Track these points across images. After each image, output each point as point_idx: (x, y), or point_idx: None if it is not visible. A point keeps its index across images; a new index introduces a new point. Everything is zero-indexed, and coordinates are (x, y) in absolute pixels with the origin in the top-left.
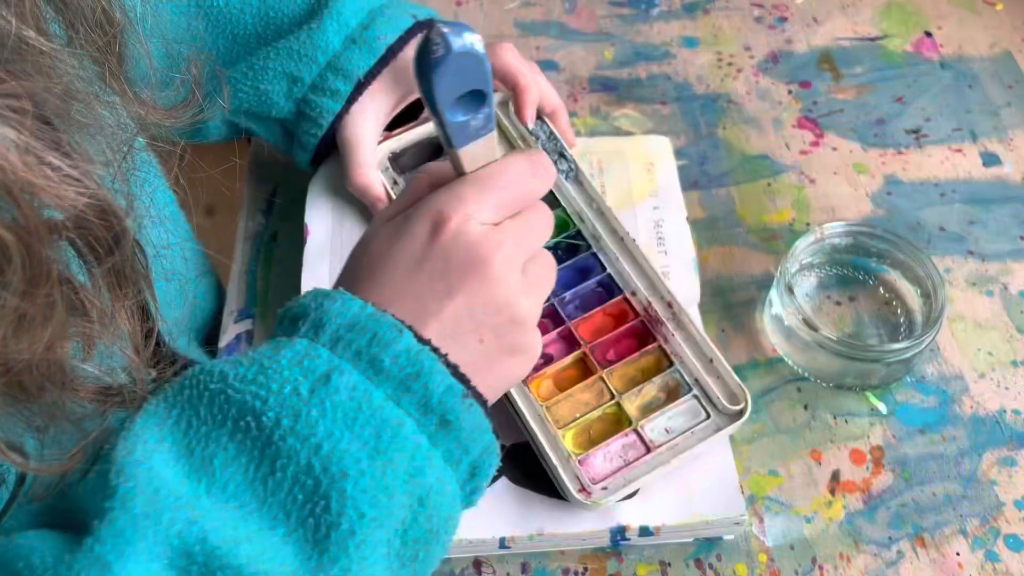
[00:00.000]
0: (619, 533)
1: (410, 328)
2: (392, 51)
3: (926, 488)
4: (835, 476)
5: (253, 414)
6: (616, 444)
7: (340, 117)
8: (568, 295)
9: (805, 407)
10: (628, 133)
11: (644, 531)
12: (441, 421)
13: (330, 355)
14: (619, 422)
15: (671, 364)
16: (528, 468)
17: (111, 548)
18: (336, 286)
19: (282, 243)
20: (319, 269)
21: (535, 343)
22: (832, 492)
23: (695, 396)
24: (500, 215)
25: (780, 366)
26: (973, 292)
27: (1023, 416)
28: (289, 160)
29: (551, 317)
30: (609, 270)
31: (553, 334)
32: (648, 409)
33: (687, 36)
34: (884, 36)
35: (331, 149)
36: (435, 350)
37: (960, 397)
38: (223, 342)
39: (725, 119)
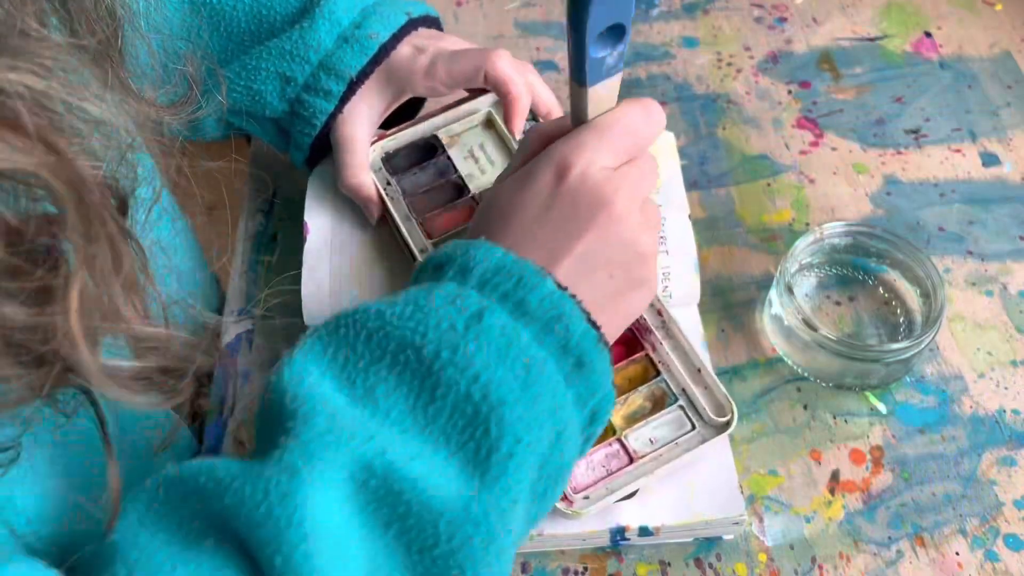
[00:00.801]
0: (619, 533)
1: (547, 270)
2: (385, 50)
3: (926, 488)
4: (835, 476)
5: (413, 348)
6: (599, 453)
7: (333, 117)
8: None
9: (805, 407)
10: None
11: (644, 531)
12: (576, 363)
13: (479, 296)
14: (603, 431)
15: (658, 373)
16: None
17: (298, 456)
18: (470, 238)
19: (282, 243)
20: (319, 269)
21: (655, 276)
22: (832, 492)
23: (681, 407)
24: (617, 160)
25: (780, 366)
26: (972, 292)
27: (1022, 416)
28: (289, 160)
29: None
30: None
31: None
32: (633, 419)
33: (687, 36)
34: (884, 36)
35: (328, 148)
36: (573, 295)
37: (960, 397)
38: (223, 342)
39: (725, 119)
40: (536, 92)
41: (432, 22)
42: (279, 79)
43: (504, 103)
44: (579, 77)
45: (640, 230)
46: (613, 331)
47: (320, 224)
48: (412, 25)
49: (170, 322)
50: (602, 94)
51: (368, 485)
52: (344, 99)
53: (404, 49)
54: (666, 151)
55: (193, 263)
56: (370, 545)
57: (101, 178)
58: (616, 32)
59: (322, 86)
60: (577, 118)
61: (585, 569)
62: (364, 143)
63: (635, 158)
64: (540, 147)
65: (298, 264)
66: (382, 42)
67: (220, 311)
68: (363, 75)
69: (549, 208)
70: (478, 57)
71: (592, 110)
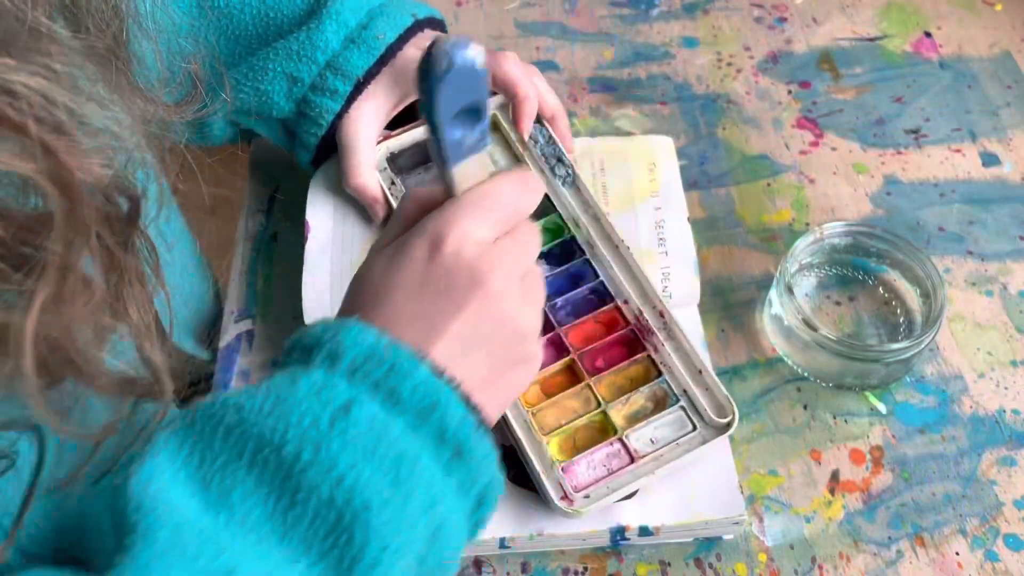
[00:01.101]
0: (619, 533)
1: (421, 354)
2: (392, 50)
3: (925, 488)
4: (835, 476)
5: (272, 447)
6: (600, 453)
7: (339, 117)
8: (560, 301)
9: (805, 407)
10: (628, 133)
11: (644, 531)
12: (456, 452)
13: (348, 386)
14: (604, 431)
15: (659, 374)
16: (528, 469)
17: None
18: (344, 311)
19: (282, 243)
20: (320, 268)
21: (537, 352)
22: (832, 492)
23: (682, 407)
24: (494, 233)
25: (780, 366)
26: (972, 292)
27: (1022, 416)
28: (289, 160)
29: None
30: (602, 277)
31: (543, 340)
32: (634, 419)
33: (687, 36)
34: (884, 36)
35: (333, 148)
36: (450, 380)
37: (959, 397)
38: (223, 342)
39: (725, 119)
40: (541, 95)
41: (437, 24)
42: (286, 79)
43: (512, 104)
44: (440, 158)
45: (519, 306)
46: (495, 410)
47: (321, 224)
48: (418, 27)
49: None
50: (470, 170)
51: None
52: (350, 99)
53: (411, 50)
54: (665, 154)
55: (192, 264)
56: None
57: (106, 181)
58: (473, 113)
59: (329, 86)
60: (449, 193)
61: (585, 569)
62: (370, 143)
63: (514, 229)
64: (415, 218)
65: (298, 264)
66: (389, 43)
67: (220, 311)
68: (370, 76)
69: (423, 285)
70: (514, 72)
71: (462, 185)
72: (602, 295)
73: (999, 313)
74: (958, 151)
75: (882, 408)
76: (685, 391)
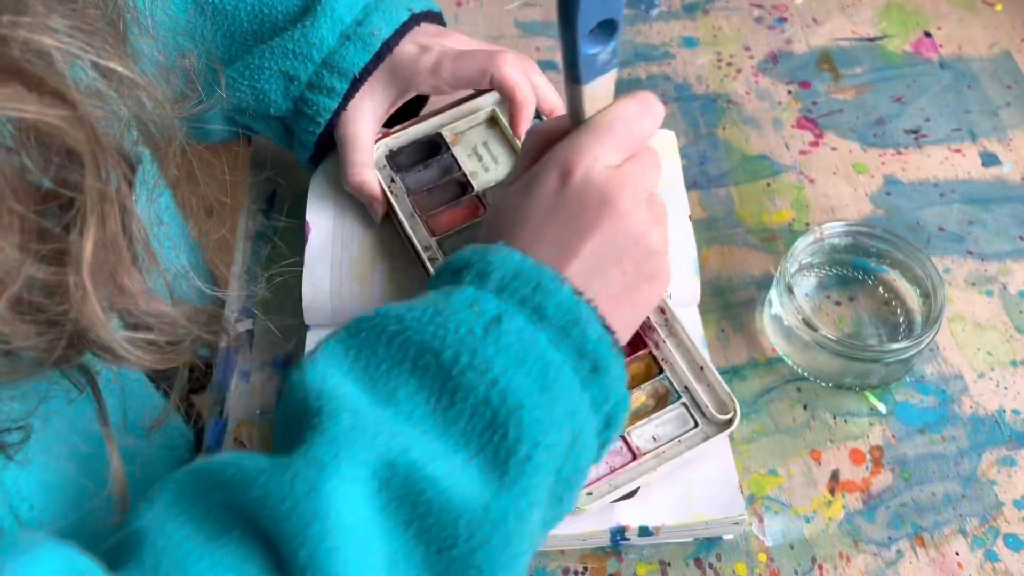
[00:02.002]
0: (619, 533)
1: (562, 275)
2: (388, 46)
3: (925, 488)
4: (835, 476)
5: (433, 352)
6: None
7: (337, 114)
8: None
9: (805, 407)
10: None
11: (644, 531)
12: (592, 367)
13: (498, 301)
14: None
15: (661, 371)
16: None
17: (325, 451)
18: (489, 236)
19: (282, 243)
20: (320, 268)
21: (668, 269)
22: (832, 492)
23: (684, 404)
24: (619, 158)
25: (780, 366)
26: (972, 292)
27: (1022, 416)
28: (290, 159)
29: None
30: None
31: None
32: (636, 415)
33: (687, 36)
34: (883, 36)
35: (332, 146)
36: (589, 300)
37: (959, 397)
38: (223, 342)
39: (725, 119)
40: (540, 92)
41: (435, 17)
42: (282, 78)
43: (510, 107)
44: (574, 75)
45: (647, 225)
46: (628, 328)
47: (322, 223)
48: (414, 21)
49: (174, 296)
50: (598, 91)
51: (391, 483)
52: (348, 97)
53: (408, 47)
54: (667, 151)
55: (191, 264)
56: (391, 542)
57: (114, 140)
58: (608, 28)
59: (325, 84)
60: (575, 117)
61: (585, 569)
62: (368, 141)
63: (637, 153)
64: (542, 148)
65: (298, 264)
66: (385, 39)
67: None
68: (366, 72)
69: (556, 209)
70: (484, 59)
71: (589, 108)
72: None
73: (999, 313)
74: (958, 151)
75: (882, 408)
76: (687, 387)
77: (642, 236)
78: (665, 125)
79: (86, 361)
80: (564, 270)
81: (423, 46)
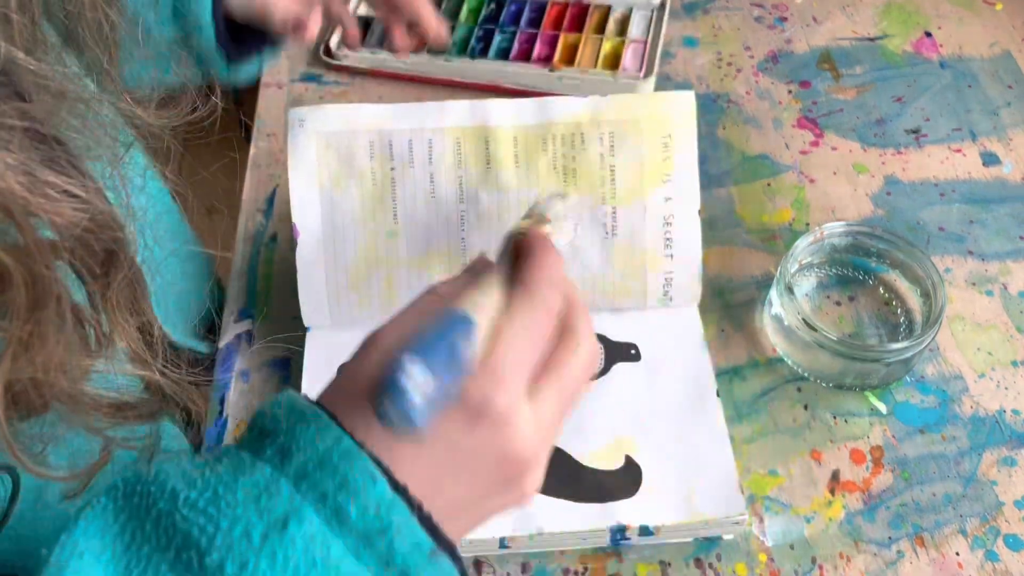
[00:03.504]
0: (619, 532)
1: (386, 472)
2: None
3: (926, 488)
4: (835, 476)
5: (197, 550)
6: None
7: None
8: None
9: (805, 407)
10: None
11: (644, 531)
12: None
13: (292, 493)
14: None
15: None
16: None
17: None
18: (325, 394)
19: (282, 243)
20: (314, 269)
21: (536, 485)
22: (832, 492)
23: None
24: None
25: (780, 366)
26: (973, 292)
27: (1023, 416)
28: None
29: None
30: None
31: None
32: None
33: (687, 36)
34: (884, 36)
35: (246, 50)
36: (409, 500)
37: (960, 397)
38: (223, 342)
39: (725, 119)
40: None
41: None
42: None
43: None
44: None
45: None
46: (461, 532)
47: (309, 225)
48: None
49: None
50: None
51: None
52: None
53: None
54: (683, 118)
55: (191, 264)
56: None
57: (82, 223)
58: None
59: None
60: None
61: (585, 569)
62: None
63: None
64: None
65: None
66: None
67: (220, 311)
68: None
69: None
70: None
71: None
72: None
73: (999, 313)
74: (958, 151)
75: (882, 408)
76: None
77: (521, 483)
78: None
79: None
80: (403, 472)
81: None
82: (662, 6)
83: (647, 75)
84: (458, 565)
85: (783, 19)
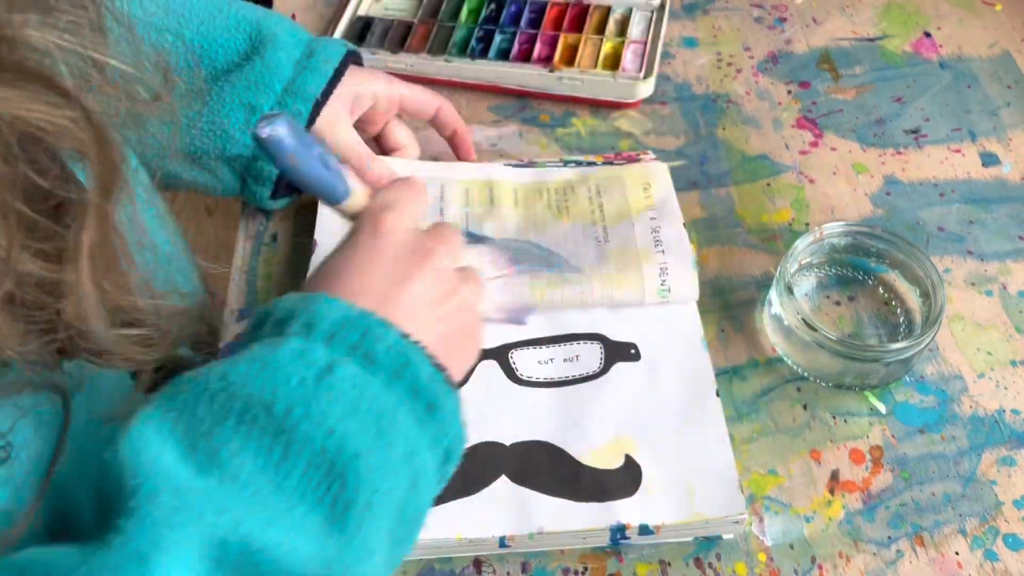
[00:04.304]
0: (619, 532)
1: (388, 320)
2: (338, 73)
3: (925, 488)
4: (834, 476)
5: (263, 405)
6: None
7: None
8: None
9: (805, 407)
10: (628, 133)
11: (644, 530)
12: (427, 406)
13: (328, 350)
14: None
15: None
16: (528, 467)
17: (146, 542)
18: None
19: (282, 243)
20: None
21: (480, 330)
22: (831, 492)
23: None
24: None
25: (780, 366)
26: (972, 292)
27: (1022, 416)
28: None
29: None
30: None
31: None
32: None
33: (687, 36)
34: (883, 36)
35: (290, 190)
36: (417, 341)
37: (959, 397)
38: (223, 342)
39: (724, 119)
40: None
41: (357, 56)
42: (244, 109)
43: (454, 139)
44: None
45: (459, 281)
46: (458, 369)
47: (326, 240)
48: (351, 54)
49: (159, 291)
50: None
51: (224, 562)
52: (310, 121)
53: (349, 77)
54: (660, 177)
55: (189, 266)
56: None
57: (115, 137)
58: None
59: (290, 110)
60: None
61: (585, 569)
62: (357, 139)
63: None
64: None
65: (298, 265)
66: (335, 66)
67: (220, 311)
68: (325, 96)
69: (372, 262)
70: (433, 94)
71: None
72: None
73: (999, 313)
74: (958, 151)
75: (882, 408)
76: None
77: (455, 290)
78: (665, 125)
79: (62, 382)
80: (388, 316)
81: (368, 71)
82: (662, 7)
83: (647, 75)
84: (463, 405)
85: (783, 20)
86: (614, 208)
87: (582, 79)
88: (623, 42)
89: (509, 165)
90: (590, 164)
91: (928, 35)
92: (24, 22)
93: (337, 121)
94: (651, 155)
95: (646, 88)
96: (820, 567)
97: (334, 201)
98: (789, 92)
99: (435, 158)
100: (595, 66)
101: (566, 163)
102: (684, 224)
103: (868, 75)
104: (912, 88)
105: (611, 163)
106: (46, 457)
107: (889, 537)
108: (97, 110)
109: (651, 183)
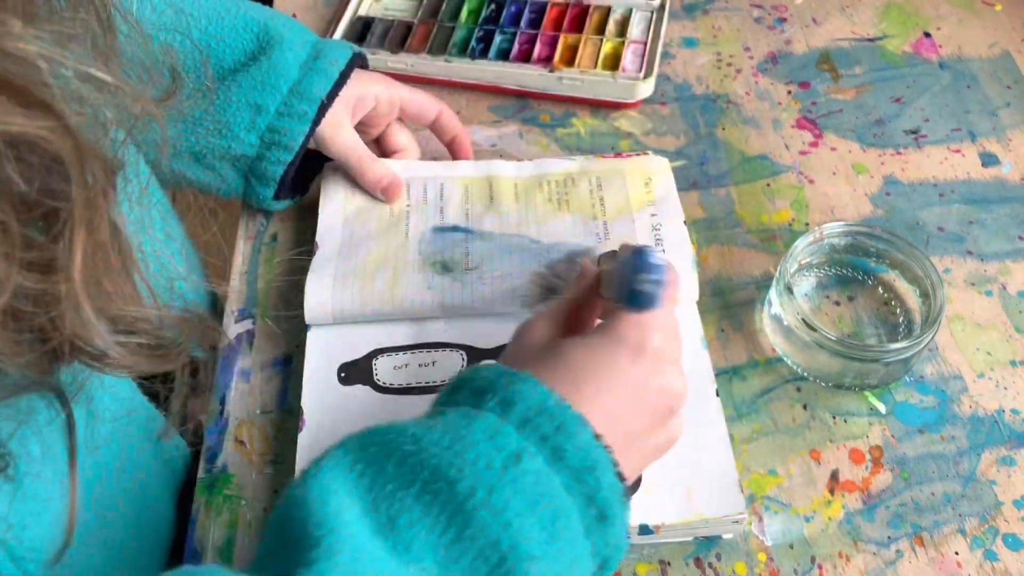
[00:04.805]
0: None
1: (584, 418)
2: (343, 75)
3: (925, 488)
4: (834, 476)
5: (447, 480)
6: None
7: (307, 139)
8: None
9: (804, 407)
10: (628, 133)
11: (644, 530)
12: (599, 516)
13: (519, 436)
14: None
15: None
16: None
17: None
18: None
19: (282, 243)
20: (324, 274)
21: (682, 425)
22: (831, 491)
23: None
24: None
25: (779, 366)
26: (972, 292)
27: (1022, 416)
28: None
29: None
30: None
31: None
32: None
33: (687, 36)
34: (883, 37)
35: (295, 186)
36: (607, 446)
37: (959, 397)
38: (221, 342)
39: (724, 119)
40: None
41: (363, 59)
42: (250, 109)
43: (452, 143)
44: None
45: (681, 383)
46: (635, 472)
47: (328, 244)
48: (357, 56)
49: (160, 299)
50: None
51: None
52: (315, 122)
53: (355, 79)
54: (661, 171)
55: (190, 265)
56: None
57: (99, 146)
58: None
59: (295, 110)
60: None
61: None
62: (361, 143)
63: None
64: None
65: (298, 265)
66: (341, 68)
67: (220, 311)
68: (331, 98)
69: (615, 381)
70: (434, 99)
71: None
72: None
73: (999, 313)
74: (957, 151)
75: (882, 408)
76: None
77: (670, 388)
78: (665, 125)
79: (64, 384)
80: (586, 411)
81: (370, 74)
82: (662, 7)
83: (647, 76)
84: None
85: (783, 20)
86: (614, 202)
87: (582, 79)
88: (623, 42)
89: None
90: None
91: (928, 35)
92: (3, 33)
93: (340, 123)
94: (651, 155)
95: (646, 88)
96: (820, 567)
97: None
98: (789, 92)
99: (435, 159)
100: (595, 66)
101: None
102: (684, 222)
103: (868, 75)
104: (912, 88)
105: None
106: (44, 477)
107: (889, 537)
108: (77, 119)
109: (652, 177)
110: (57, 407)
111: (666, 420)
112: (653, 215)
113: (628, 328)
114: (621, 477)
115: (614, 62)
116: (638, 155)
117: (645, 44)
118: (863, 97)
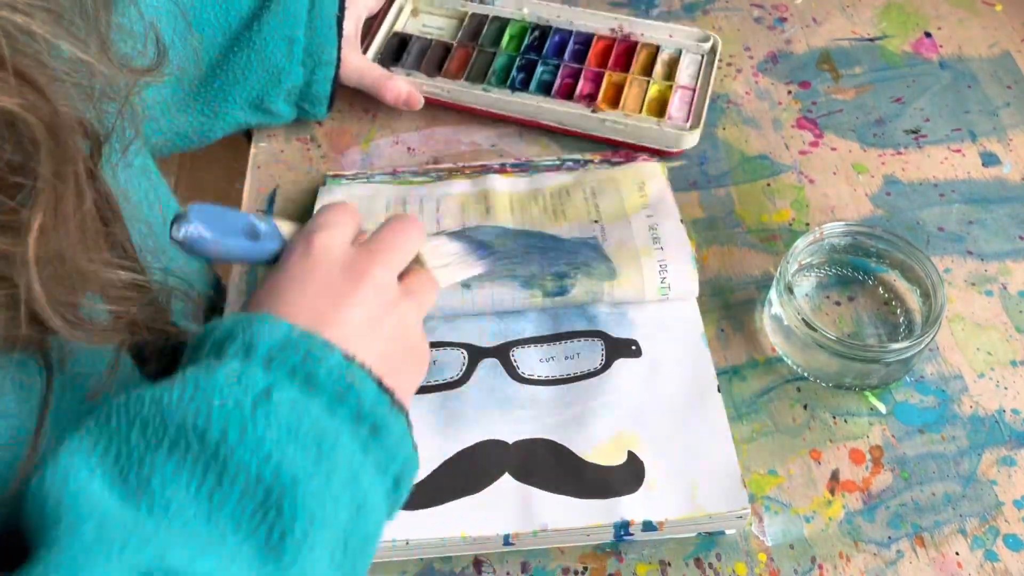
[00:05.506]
0: (623, 528)
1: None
2: None
3: (925, 488)
4: (834, 476)
5: (196, 431)
6: None
7: (339, 50)
8: None
9: (804, 407)
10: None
11: (647, 526)
12: (371, 429)
13: (266, 373)
14: None
15: None
16: (531, 465)
17: (65, 574)
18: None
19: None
20: None
21: (426, 347)
22: (831, 492)
23: None
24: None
25: (779, 366)
26: (972, 292)
27: (1022, 416)
28: (289, 160)
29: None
30: None
31: None
32: None
33: None
34: (883, 36)
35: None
36: (361, 363)
37: (959, 397)
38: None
39: (724, 119)
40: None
41: None
42: (285, 43)
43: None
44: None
45: (400, 298)
46: (405, 392)
47: None
48: None
49: (143, 268)
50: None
51: None
52: (338, 34)
53: None
54: (653, 175)
55: (192, 264)
56: None
57: (76, 119)
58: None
59: (321, 31)
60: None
61: (585, 569)
62: (369, 61)
63: (379, 236)
64: None
65: None
66: None
67: (220, 311)
68: (341, 9)
69: (305, 281)
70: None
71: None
72: None
73: (999, 313)
74: (958, 151)
75: (882, 408)
76: None
77: (394, 305)
78: None
79: (49, 352)
80: (328, 337)
81: None
82: (712, 51)
83: (693, 126)
84: (411, 429)
85: (783, 20)
86: (610, 208)
87: (626, 123)
88: (671, 86)
89: (504, 164)
90: (587, 163)
91: (928, 35)
92: None
93: (352, 43)
94: (646, 155)
95: (692, 139)
96: (820, 567)
97: (272, 262)
98: (789, 92)
99: (435, 159)
100: (640, 110)
101: (563, 161)
102: (681, 220)
103: (868, 75)
104: (912, 88)
105: (608, 162)
106: (24, 432)
107: (889, 537)
108: (54, 91)
109: (646, 182)
110: (37, 368)
111: (358, 283)
112: (649, 216)
113: (293, 240)
114: (384, 386)
115: (660, 107)
116: (635, 155)
117: (693, 91)
118: (863, 97)
